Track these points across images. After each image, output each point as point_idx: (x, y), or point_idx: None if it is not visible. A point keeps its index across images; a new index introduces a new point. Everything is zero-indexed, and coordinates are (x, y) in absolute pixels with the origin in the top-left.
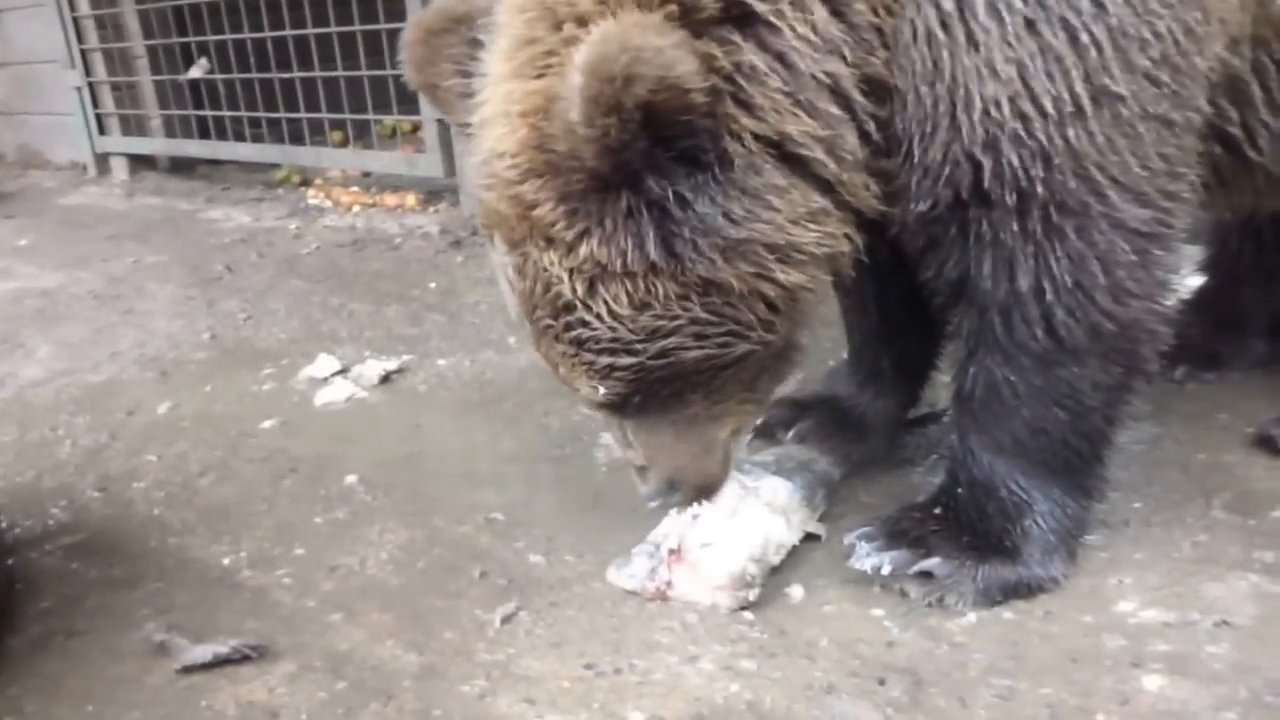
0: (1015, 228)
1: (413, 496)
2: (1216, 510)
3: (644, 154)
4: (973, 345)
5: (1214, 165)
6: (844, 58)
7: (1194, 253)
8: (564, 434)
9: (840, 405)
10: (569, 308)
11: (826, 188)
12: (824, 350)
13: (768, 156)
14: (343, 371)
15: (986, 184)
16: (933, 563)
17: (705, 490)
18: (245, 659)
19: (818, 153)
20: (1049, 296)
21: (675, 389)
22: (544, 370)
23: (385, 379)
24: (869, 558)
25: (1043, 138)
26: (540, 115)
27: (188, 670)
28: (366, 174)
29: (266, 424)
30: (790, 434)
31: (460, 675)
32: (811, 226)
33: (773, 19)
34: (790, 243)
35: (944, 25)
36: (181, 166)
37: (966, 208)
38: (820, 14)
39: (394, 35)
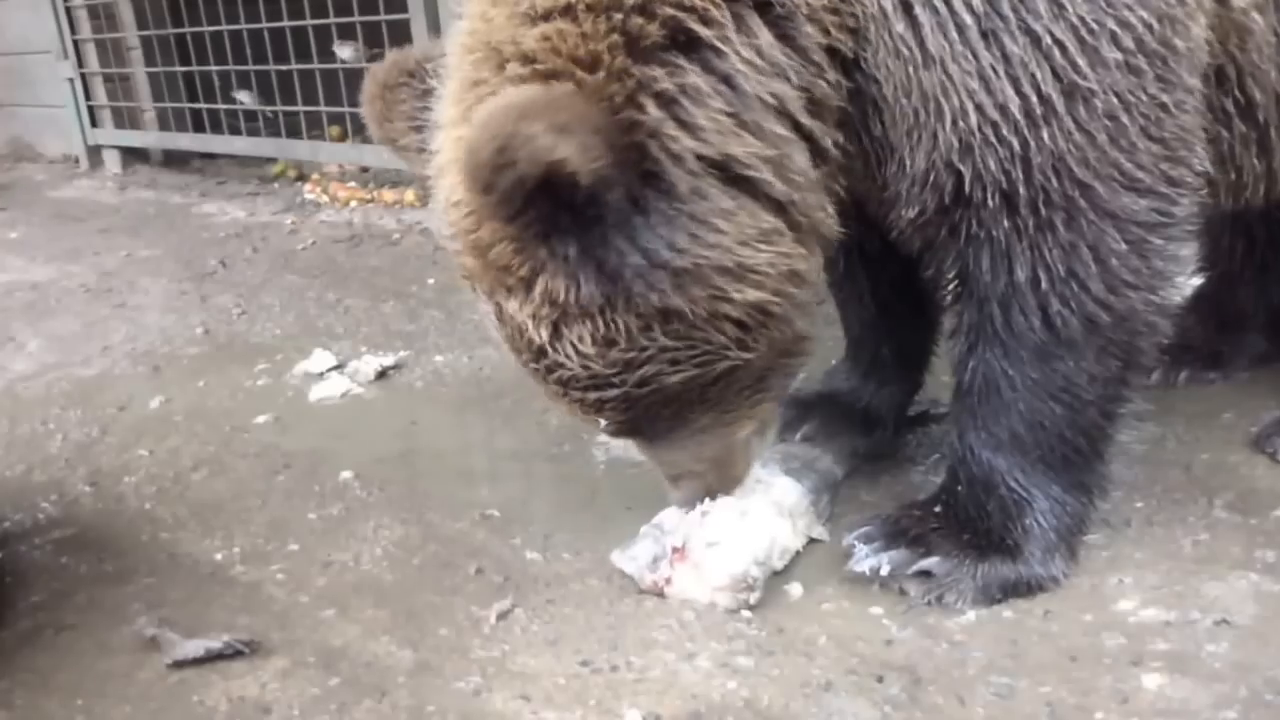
0: (1006, 225)
1: (408, 493)
2: (1218, 510)
3: (540, 218)
4: (972, 339)
5: (1229, 138)
6: (789, 80)
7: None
8: (561, 431)
9: (843, 401)
10: (541, 352)
11: (778, 208)
12: (826, 350)
13: (713, 179)
14: (338, 367)
15: (968, 188)
16: (931, 561)
17: (735, 488)
18: (237, 654)
19: (765, 173)
20: (1044, 286)
21: (675, 409)
22: None
23: (381, 375)
24: (867, 559)
25: (1016, 141)
26: None
27: (179, 665)
28: (364, 169)
29: (260, 419)
30: (797, 435)
31: (455, 672)
32: (763, 247)
33: (718, 43)
34: (741, 264)
35: (904, 44)
36: (175, 160)
37: (953, 211)
38: (765, 38)
39: (394, 26)
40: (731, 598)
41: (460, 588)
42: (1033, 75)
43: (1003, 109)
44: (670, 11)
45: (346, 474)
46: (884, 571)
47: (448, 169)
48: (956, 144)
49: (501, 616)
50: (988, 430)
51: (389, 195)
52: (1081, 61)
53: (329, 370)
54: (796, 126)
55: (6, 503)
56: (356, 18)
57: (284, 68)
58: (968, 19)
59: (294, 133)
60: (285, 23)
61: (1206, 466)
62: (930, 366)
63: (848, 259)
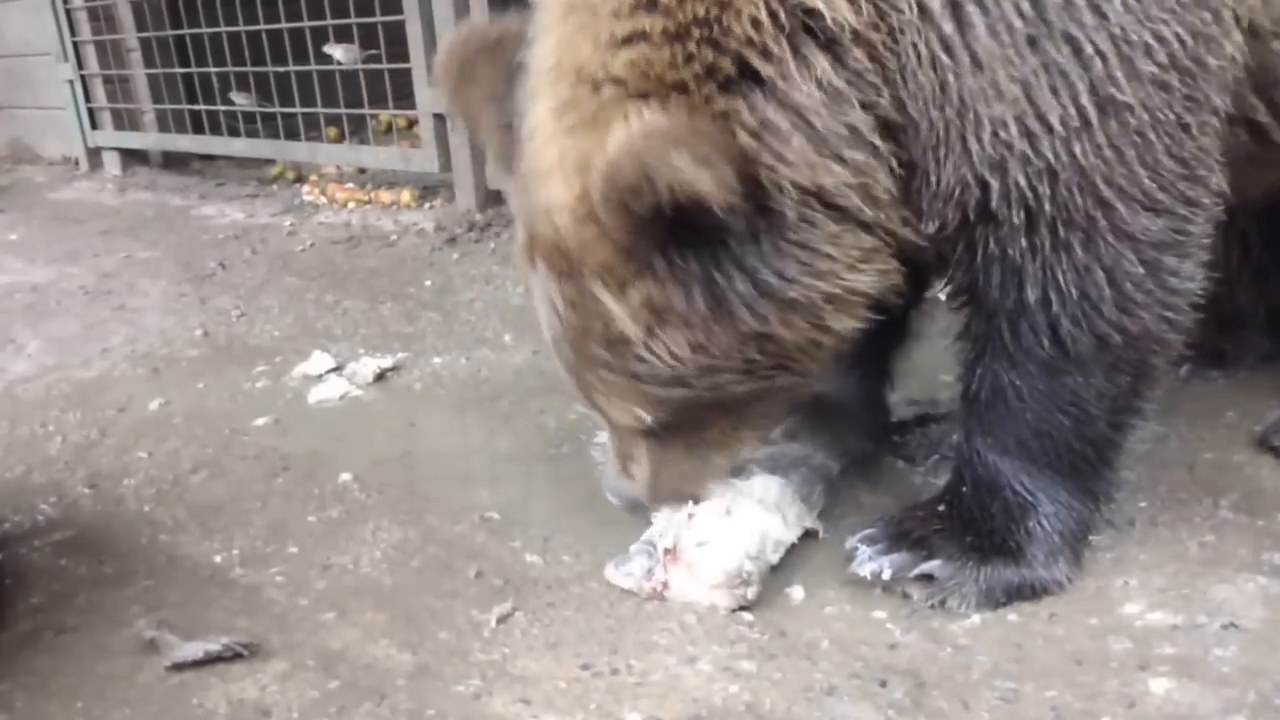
0: (1023, 243)
1: (407, 495)
2: (1224, 510)
3: (662, 236)
4: (980, 348)
5: (1245, 153)
6: (855, 105)
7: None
8: (560, 433)
9: (825, 397)
10: (626, 342)
11: (870, 229)
12: None
13: (815, 206)
14: (337, 369)
15: (994, 204)
16: (934, 565)
17: (682, 500)
18: (236, 657)
19: (855, 200)
20: (1055, 308)
21: (707, 418)
22: (540, 369)
23: (380, 377)
24: (870, 562)
25: (1049, 155)
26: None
27: (178, 668)
28: (362, 170)
29: (259, 421)
30: (776, 432)
31: (455, 675)
32: (866, 268)
33: (780, 81)
34: (847, 289)
35: (946, 48)
36: (174, 161)
37: (974, 227)
38: (823, 65)
39: (390, 29)
40: (729, 595)
41: (460, 591)
42: (1072, 85)
43: (1042, 119)
44: (735, 46)
45: (346, 476)
46: (886, 575)
47: (548, 174)
48: (991, 156)
49: (501, 620)
50: (994, 435)
51: (386, 196)
52: (1119, 74)
53: (328, 372)
54: (873, 149)
55: (6, 505)
56: (353, 19)
57: (282, 69)
58: (1016, 22)
59: (292, 134)
60: (283, 24)
61: (1211, 466)
62: (904, 356)
63: None
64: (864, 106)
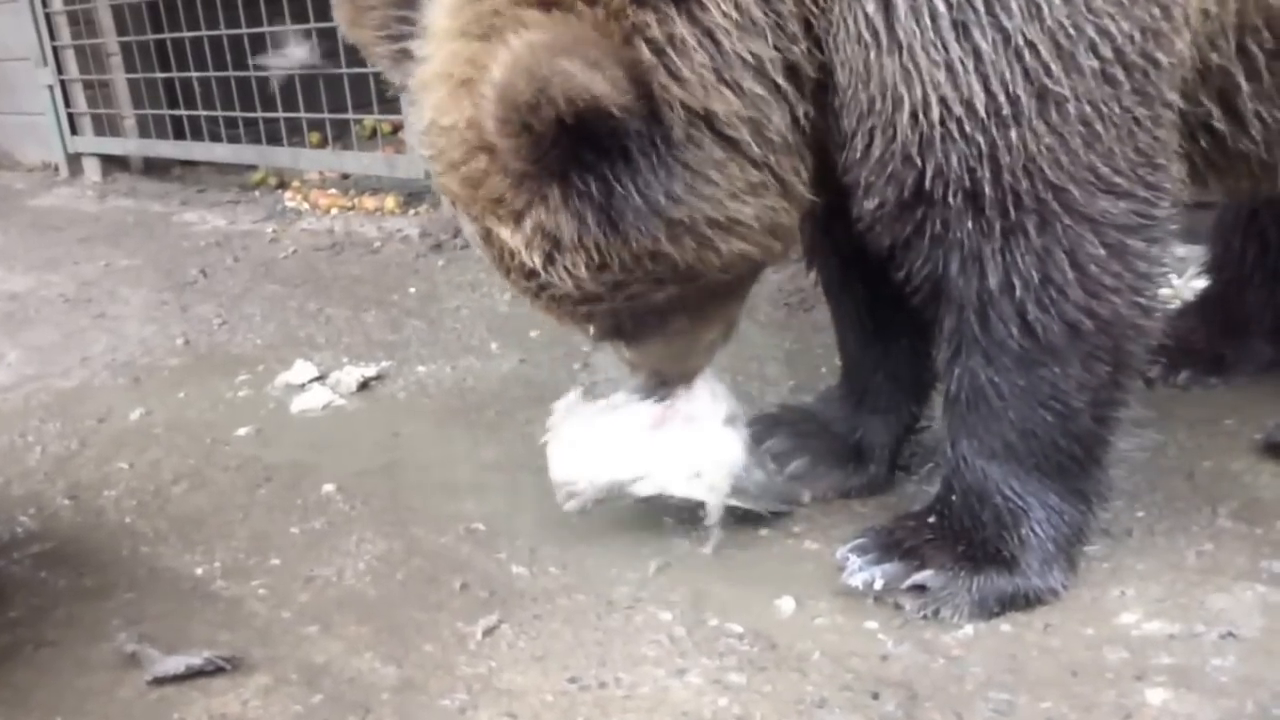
0: (970, 226)
1: (391, 506)
2: (1222, 519)
3: (563, 157)
4: (955, 345)
5: (1204, 155)
6: (768, 40)
7: (1197, 254)
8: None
9: (835, 432)
10: (532, 274)
11: (757, 166)
12: (815, 357)
13: (703, 129)
14: (320, 378)
15: (928, 185)
16: (925, 575)
17: (687, 379)
18: (218, 671)
19: (744, 133)
20: (1019, 293)
21: (658, 316)
22: (527, 378)
23: (364, 386)
24: (861, 572)
25: (982, 139)
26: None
27: (159, 682)
28: (345, 176)
29: (241, 431)
30: (764, 447)
31: (440, 689)
32: (750, 200)
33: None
34: (730, 216)
35: (870, 27)
36: (155, 168)
37: (915, 207)
38: None
39: None
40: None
41: (445, 603)
42: (1002, 74)
43: (968, 105)
44: None
45: (329, 487)
46: (878, 586)
47: (436, 84)
48: (916, 137)
49: (487, 632)
50: (979, 439)
51: (369, 202)
52: (1055, 66)
53: (311, 381)
54: (775, 88)
55: None
56: (337, 23)
57: (264, 73)
58: (940, 6)
59: (274, 139)
60: (265, 28)
61: (1209, 474)
62: (929, 399)
63: (844, 267)
64: (777, 46)
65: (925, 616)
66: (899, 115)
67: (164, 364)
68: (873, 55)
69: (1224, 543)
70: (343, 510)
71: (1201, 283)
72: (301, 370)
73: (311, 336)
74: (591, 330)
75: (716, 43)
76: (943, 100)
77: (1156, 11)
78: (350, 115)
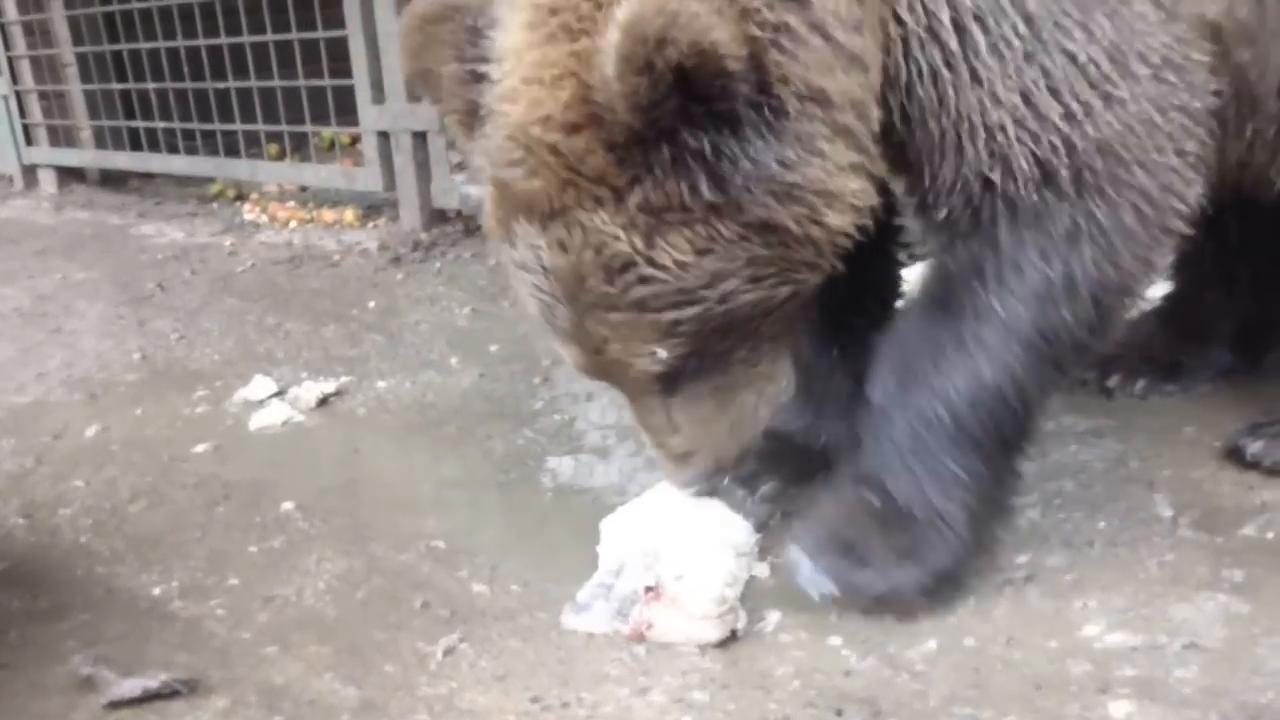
0: (1037, 200)
1: (351, 524)
2: (1184, 528)
3: (677, 111)
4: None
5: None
6: (863, 34)
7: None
8: (508, 458)
9: (797, 441)
10: (627, 265)
11: (859, 147)
12: None
13: (815, 107)
14: (279, 394)
15: (999, 185)
16: (867, 576)
17: (729, 464)
18: (176, 694)
19: (850, 116)
20: (1073, 250)
21: (726, 348)
22: (487, 393)
23: (323, 401)
24: (811, 579)
25: (1056, 137)
26: (582, 71)
27: (115, 705)
28: (304, 188)
29: (199, 448)
30: (758, 494)
31: (401, 710)
32: (855, 177)
33: None
34: (837, 189)
35: (948, 64)
36: (112, 179)
37: (982, 209)
38: None
39: (332, 45)
40: (718, 625)
41: (406, 622)
42: (1071, 86)
43: (1042, 117)
44: None
45: (288, 505)
46: (830, 592)
47: (523, 90)
48: (988, 156)
49: (448, 652)
50: (903, 415)
51: (329, 215)
52: (1115, 75)
53: (269, 397)
54: (871, 80)
55: None
56: (294, 35)
57: (221, 85)
58: (1015, 41)
59: (232, 152)
60: (223, 40)
61: (1169, 484)
62: None
63: None
64: (871, 42)
65: (873, 614)
66: (972, 141)
67: (120, 379)
68: (950, 90)
69: (1185, 552)
70: (302, 528)
71: (1159, 289)
72: (260, 386)
73: (270, 351)
74: (662, 355)
75: (825, 34)
76: (1019, 121)
77: (1183, 27)
78: (309, 127)
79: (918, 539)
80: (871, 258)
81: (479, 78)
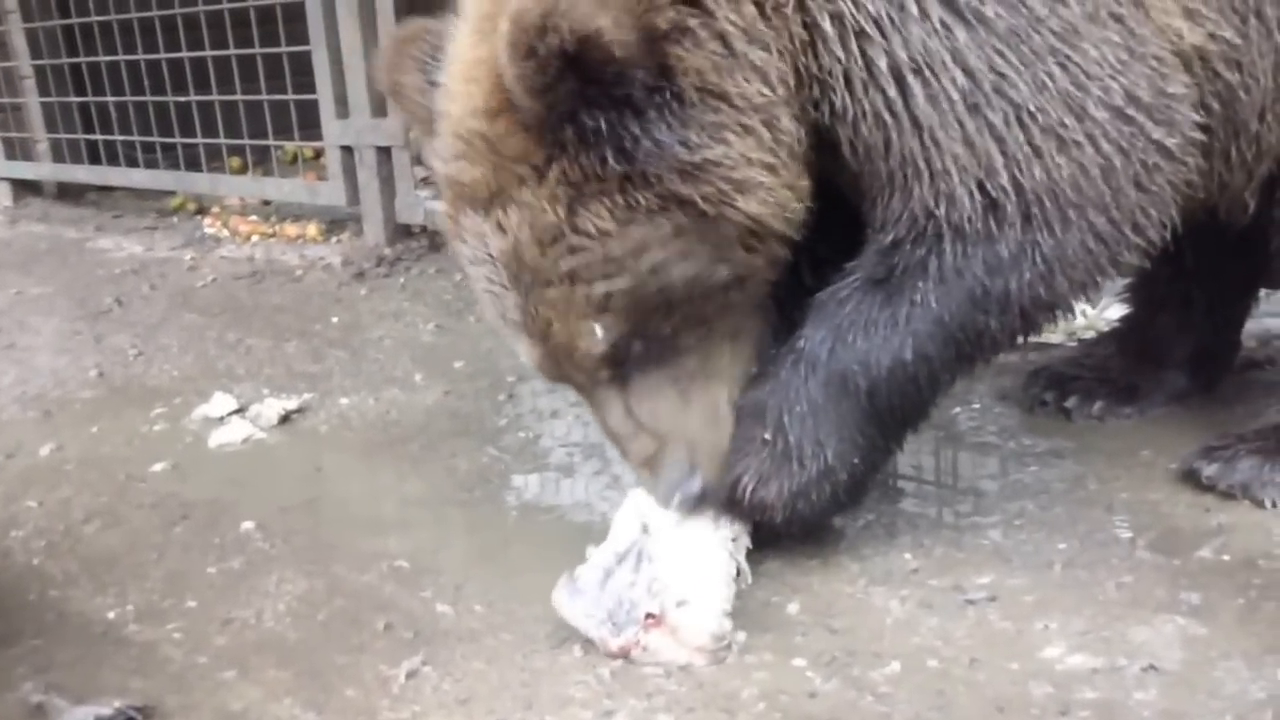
0: (983, 228)
1: (313, 544)
2: (1141, 550)
3: (575, 93)
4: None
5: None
6: (771, 51)
7: (1113, 284)
8: (472, 476)
9: None
10: (556, 236)
11: (768, 149)
12: None
13: (720, 102)
14: (239, 411)
15: (944, 218)
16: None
17: (716, 465)
18: None
19: (754, 120)
20: (1011, 275)
21: (670, 331)
22: (452, 410)
23: (285, 419)
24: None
25: (1003, 179)
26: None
27: None
28: (266, 202)
29: (157, 467)
30: None
31: None
32: (765, 174)
33: (709, 4)
34: (747, 179)
35: (889, 110)
36: (70, 193)
37: (928, 234)
38: (749, 11)
39: (295, 59)
40: (712, 656)
41: (368, 645)
42: (1016, 137)
43: (989, 167)
44: None
45: (248, 525)
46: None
47: (462, 92)
48: (932, 196)
49: (411, 675)
50: (824, 372)
51: (291, 230)
52: (1068, 120)
53: (230, 414)
54: (779, 97)
55: None
56: (257, 50)
57: (183, 99)
58: (954, 92)
59: (193, 165)
60: (184, 53)
61: (1127, 506)
62: None
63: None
64: (779, 58)
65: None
66: (918, 181)
67: (76, 397)
68: (893, 135)
69: (1144, 574)
70: (262, 549)
71: (1116, 312)
72: (220, 403)
73: (231, 368)
74: (601, 333)
75: (727, 44)
76: (963, 168)
77: (1153, 62)
78: (271, 141)
79: (798, 478)
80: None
81: (435, 86)
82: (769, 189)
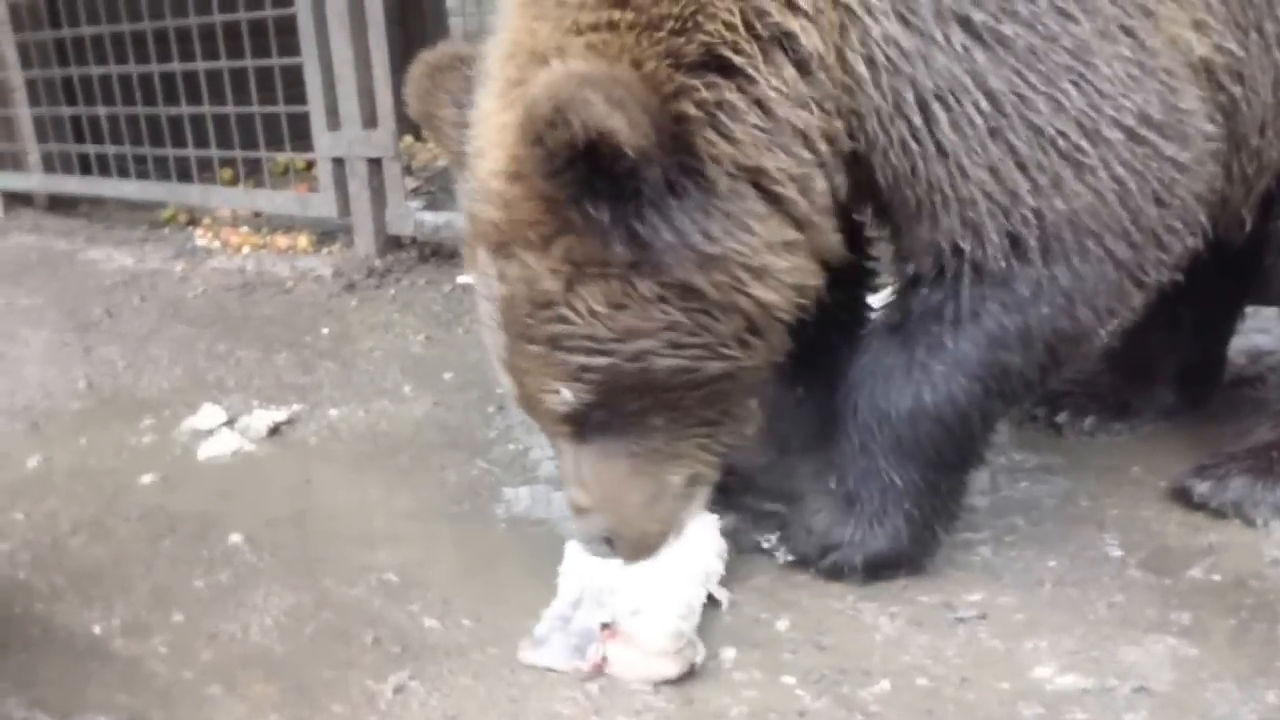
0: (1004, 265)
1: (301, 557)
2: (1132, 569)
3: (580, 183)
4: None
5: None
6: (812, 111)
7: None
8: (462, 489)
9: (757, 481)
10: (548, 304)
11: (798, 224)
12: None
13: (747, 185)
14: (229, 423)
15: (968, 250)
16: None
17: (642, 550)
18: None
19: (791, 190)
20: (1032, 311)
21: (640, 409)
22: (442, 422)
23: (274, 431)
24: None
25: (1027, 209)
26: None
27: None
28: (257, 214)
29: (145, 479)
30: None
31: None
32: (785, 255)
33: (749, 70)
34: (765, 266)
35: (915, 138)
36: (61, 204)
37: (950, 268)
38: (790, 72)
39: (287, 71)
40: (676, 661)
41: (355, 659)
42: (1039, 161)
43: (1012, 193)
44: (705, 38)
45: (236, 538)
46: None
47: (487, 150)
48: (959, 225)
49: (398, 690)
50: (852, 423)
51: (282, 241)
52: (1084, 144)
53: (218, 426)
54: (818, 156)
55: None
56: (249, 61)
57: (174, 111)
58: (977, 118)
59: (184, 176)
60: (176, 65)
61: (1118, 523)
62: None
63: None
64: (820, 116)
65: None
66: (945, 210)
67: (64, 408)
68: (920, 162)
69: (1134, 594)
70: (250, 562)
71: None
72: (209, 415)
73: (220, 379)
74: (565, 395)
75: (767, 110)
76: (988, 195)
77: (1166, 76)
78: (263, 152)
79: (862, 525)
80: (838, 297)
81: (467, 124)
82: (785, 272)
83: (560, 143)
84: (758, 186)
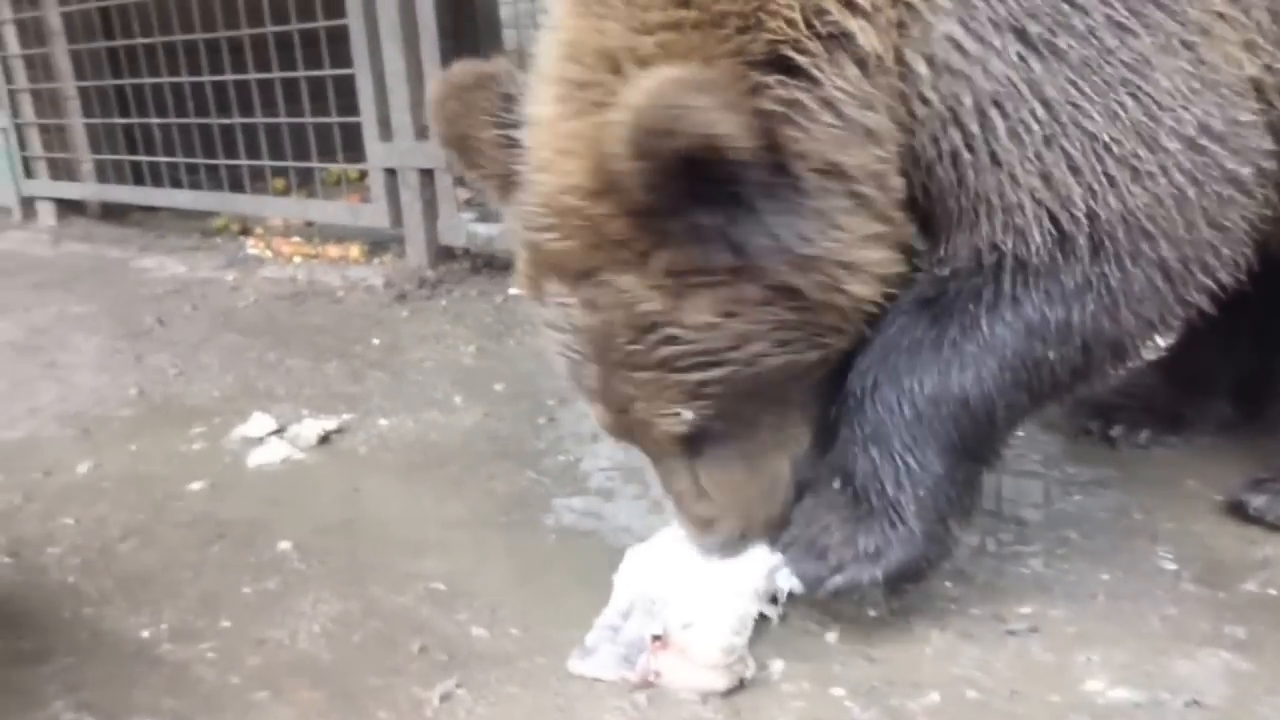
0: (1050, 262)
1: (349, 565)
2: (1186, 582)
3: (686, 191)
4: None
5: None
6: (877, 111)
7: None
8: (511, 499)
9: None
10: (654, 326)
11: (880, 217)
12: None
13: (834, 181)
14: (278, 431)
15: (1010, 249)
16: (839, 581)
17: (774, 529)
18: None
19: (870, 187)
20: (1075, 312)
21: (751, 412)
22: (491, 433)
23: (324, 439)
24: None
25: (1077, 211)
26: (603, 142)
27: None
28: (309, 223)
29: (195, 486)
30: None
31: None
32: (875, 247)
33: (814, 71)
34: (856, 261)
35: (969, 147)
36: (113, 212)
37: (986, 265)
38: (853, 71)
39: (340, 81)
40: (727, 674)
41: (402, 667)
42: (1093, 166)
43: (1063, 198)
44: (769, 36)
45: (284, 545)
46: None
47: (554, 163)
48: (1001, 230)
49: (445, 698)
50: (870, 404)
51: (334, 251)
52: (1142, 151)
53: (268, 434)
54: (888, 153)
55: None
56: (301, 72)
57: (226, 121)
58: (1034, 125)
59: (237, 187)
60: (228, 76)
61: (1171, 536)
62: None
63: None
64: (884, 116)
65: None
66: (989, 218)
67: (115, 415)
68: (970, 171)
69: (1188, 607)
70: (298, 569)
71: (1163, 340)
72: (259, 423)
73: (270, 388)
74: (687, 416)
75: (837, 111)
76: (1037, 202)
77: (1224, 90)
78: (315, 163)
79: (874, 531)
80: None
81: (513, 143)
82: (877, 264)
83: (671, 152)
84: (841, 182)
